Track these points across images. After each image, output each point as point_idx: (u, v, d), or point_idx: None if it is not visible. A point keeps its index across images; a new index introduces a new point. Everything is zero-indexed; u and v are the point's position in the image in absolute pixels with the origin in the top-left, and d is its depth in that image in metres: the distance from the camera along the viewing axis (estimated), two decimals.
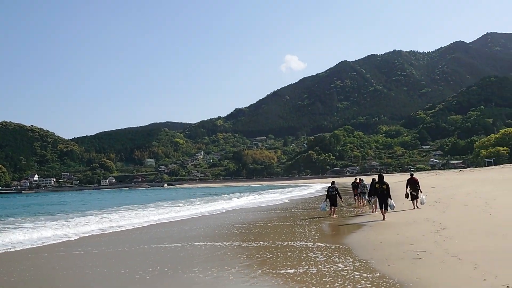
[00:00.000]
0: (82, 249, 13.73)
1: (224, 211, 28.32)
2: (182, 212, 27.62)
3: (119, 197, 70.81)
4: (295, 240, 12.85)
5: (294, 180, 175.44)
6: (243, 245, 12.71)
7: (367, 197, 22.06)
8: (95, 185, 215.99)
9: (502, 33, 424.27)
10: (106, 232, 18.50)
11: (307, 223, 17.77)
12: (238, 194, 50.05)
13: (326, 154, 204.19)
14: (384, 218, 16.47)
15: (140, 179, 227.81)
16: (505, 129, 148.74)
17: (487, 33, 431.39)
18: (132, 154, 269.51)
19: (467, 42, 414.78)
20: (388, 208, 16.56)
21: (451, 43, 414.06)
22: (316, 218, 19.73)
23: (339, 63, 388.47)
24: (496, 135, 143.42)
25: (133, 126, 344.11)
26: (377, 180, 17.38)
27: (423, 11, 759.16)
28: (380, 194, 16.64)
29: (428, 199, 21.98)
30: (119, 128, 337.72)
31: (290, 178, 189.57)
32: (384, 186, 16.55)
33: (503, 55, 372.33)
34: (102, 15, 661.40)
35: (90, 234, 17.67)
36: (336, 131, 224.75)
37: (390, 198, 16.62)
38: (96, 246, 14.18)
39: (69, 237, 16.95)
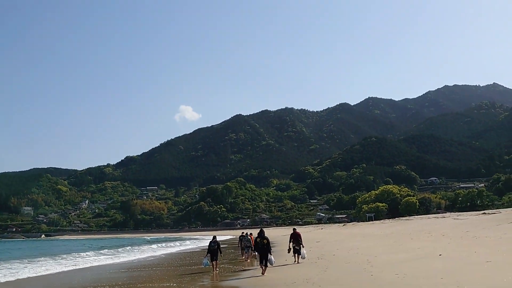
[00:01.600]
0: None
1: (65, 270, 23.73)
2: (24, 274, 22.51)
3: None
4: None
5: (184, 232, 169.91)
6: None
7: (251, 251, 21.61)
8: None
9: (381, 98, 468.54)
10: None
11: (174, 284, 15.35)
12: (107, 250, 43.81)
13: (218, 206, 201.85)
14: (263, 273, 15.91)
15: (14, 229, 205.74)
16: (384, 186, 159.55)
17: (369, 97, 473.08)
18: (8, 201, 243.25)
19: (352, 104, 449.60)
20: (268, 263, 16.11)
21: (337, 104, 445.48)
22: (189, 277, 17.41)
23: (233, 116, 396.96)
24: (376, 192, 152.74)
25: (11, 171, 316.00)
26: (258, 235, 16.94)
27: (313, 73, 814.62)
28: (261, 249, 16.18)
29: (312, 255, 21.49)
30: None
31: (180, 230, 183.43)
32: (264, 241, 16.15)
33: (382, 118, 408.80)
34: None
35: None
36: (228, 183, 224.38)
37: (270, 254, 16.24)
38: None
39: None
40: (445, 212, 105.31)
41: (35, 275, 21.82)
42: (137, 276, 18.95)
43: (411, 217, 72.95)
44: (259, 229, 17.76)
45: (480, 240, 20.07)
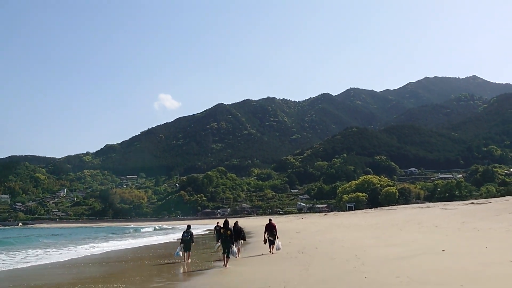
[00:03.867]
0: None
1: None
2: None
3: None
4: None
5: (164, 221, 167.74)
6: None
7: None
8: None
9: (362, 89, 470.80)
10: None
11: (123, 285, 12.93)
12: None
13: (198, 195, 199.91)
14: (225, 265, 15.69)
15: None
16: (364, 176, 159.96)
17: (350, 88, 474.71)
18: None
19: (333, 94, 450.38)
20: (231, 255, 16.07)
21: (319, 95, 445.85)
22: (147, 274, 15.25)
23: (215, 105, 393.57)
24: (356, 182, 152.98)
25: None
26: (222, 225, 16.85)
27: (295, 63, 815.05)
28: (224, 240, 15.99)
29: (292, 248, 20.05)
30: None
31: (159, 219, 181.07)
32: (228, 232, 16.02)
33: (363, 108, 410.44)
34: None
35: None
36: (209, 172, 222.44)
37: (232, 245, 16.26)
38: None
39: None
40: (424, 202, 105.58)
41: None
42: (89, 272, 16.74)
43: (394, 207, 72.08)
44: (224, 219, 17.48)
45: (484, 233, 18.16)
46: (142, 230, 74.36)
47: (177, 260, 19.43)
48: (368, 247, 17.22)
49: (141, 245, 34.29)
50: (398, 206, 75.91)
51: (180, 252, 18.41)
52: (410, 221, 27.61)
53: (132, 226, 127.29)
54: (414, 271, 10.64)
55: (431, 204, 66.22)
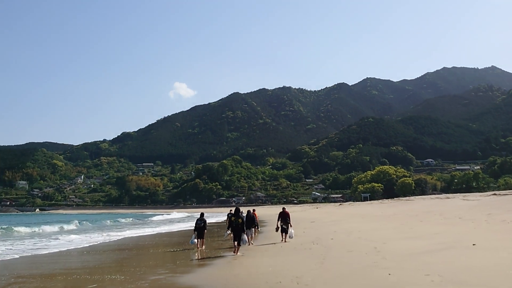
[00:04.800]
0: None
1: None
2: None
3: None
4: None
5: (179, 209, 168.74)
6: None
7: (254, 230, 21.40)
8: None
9: (379, 79, 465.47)
10: None
11: (122, 277, 11.93)
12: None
13: (213, 184, 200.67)
14: (236, 253, 15.97)
15: (8, 203, 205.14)
16: (380, 167, 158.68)
17: (367, 77, 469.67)
18: (2, 175, 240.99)
19: (350, 84, 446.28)
20: (241, 243, 16.13)
21: (335, 84, 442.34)
22: (148, 265, 14.54)
23: (231, 94, 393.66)
24: (372, 172, 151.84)
25: (6, 145, 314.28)
26: (233, 213, 17.10)
27: (311, 52, 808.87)
28: (235, 228, 16.11)
29: (306, 238, 19.49)
30: None
31: (175, 207, 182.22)
32: (240, 220, 16.09)
33: (379, 98, 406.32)
34: None
35: None
36: (224, 161, 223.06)
37: (244, 233, 16.37)
38: None
39: None
40: (441, 194, 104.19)
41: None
42: (93, 260, 16.26)
43: (412, 198, 70.92)
44: (235, 208, 17.58)
45: None
46: (161, 218, 74.29)
47: (189, 248, 19.54)
48: (388, 239, 16.27)
49: (160, 232, 34.13)
50: (416, 197, 74.39)
51: (195, 240, 18.56)
52: (431, 212, 26.54)
53: (149, 213, 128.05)
54: (444, 268, 9.45)
55: (450, 195, 65.00)
